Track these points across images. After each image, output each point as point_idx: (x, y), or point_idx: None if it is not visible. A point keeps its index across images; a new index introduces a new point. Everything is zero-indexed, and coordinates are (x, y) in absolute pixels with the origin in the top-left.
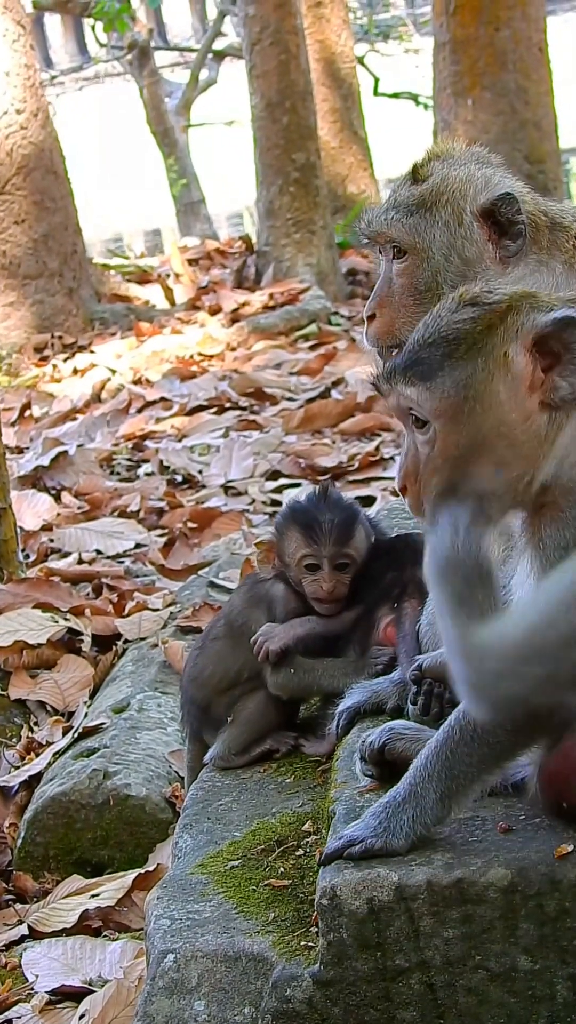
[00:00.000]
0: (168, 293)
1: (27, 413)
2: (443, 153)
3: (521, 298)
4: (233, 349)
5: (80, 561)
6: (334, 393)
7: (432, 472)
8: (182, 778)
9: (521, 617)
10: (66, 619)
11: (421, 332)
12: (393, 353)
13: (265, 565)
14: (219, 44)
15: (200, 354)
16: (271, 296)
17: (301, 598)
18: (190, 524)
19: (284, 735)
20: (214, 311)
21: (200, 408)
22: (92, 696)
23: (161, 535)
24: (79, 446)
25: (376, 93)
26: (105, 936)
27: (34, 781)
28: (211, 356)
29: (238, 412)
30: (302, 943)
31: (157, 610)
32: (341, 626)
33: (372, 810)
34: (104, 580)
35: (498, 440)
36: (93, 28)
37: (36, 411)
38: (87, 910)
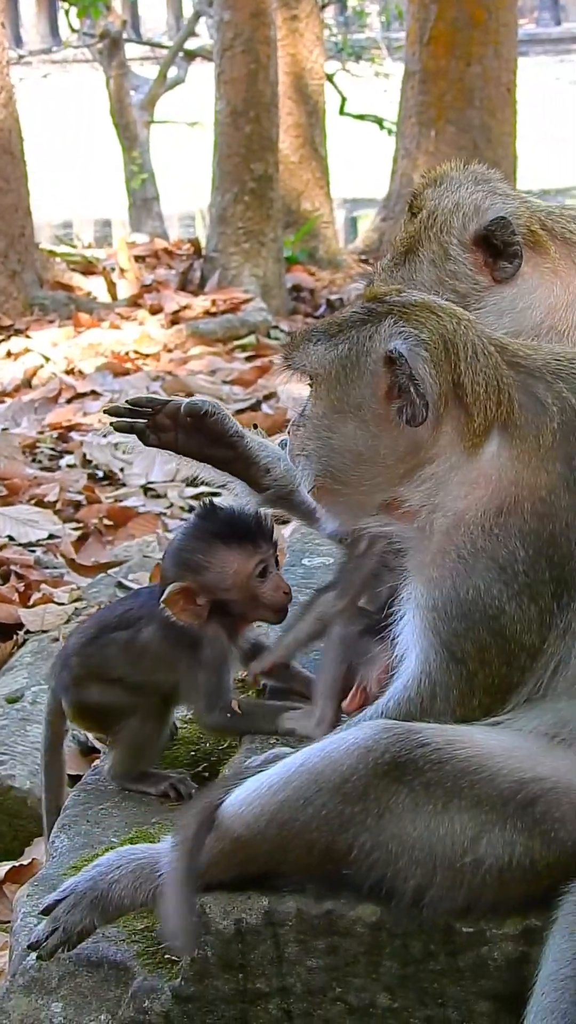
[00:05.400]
0: (111, 287)
1: None
2: (439, 178)
3: (406, 308)
4: (170, 351)
5: None
6: (264, 407)
7: (303, 428)
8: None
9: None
10: None
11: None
12: None
13: (185, 613)
14: (191, 44)
15: (136, 352)
16: (213, 302)
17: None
18: (106, 521)
19: (181, 775)
20: (155, 311)
21: None
22: None
23: (76, 529)
24: (3, 430)
25: (342, 112)
26: None
27: None
28: (147, 355)
29: None
30: (166, 956)
31: (62, 604)
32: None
33: None
34: (13, 568)
35: (356, 426)
36: (67, 12)
37: None
38: None
